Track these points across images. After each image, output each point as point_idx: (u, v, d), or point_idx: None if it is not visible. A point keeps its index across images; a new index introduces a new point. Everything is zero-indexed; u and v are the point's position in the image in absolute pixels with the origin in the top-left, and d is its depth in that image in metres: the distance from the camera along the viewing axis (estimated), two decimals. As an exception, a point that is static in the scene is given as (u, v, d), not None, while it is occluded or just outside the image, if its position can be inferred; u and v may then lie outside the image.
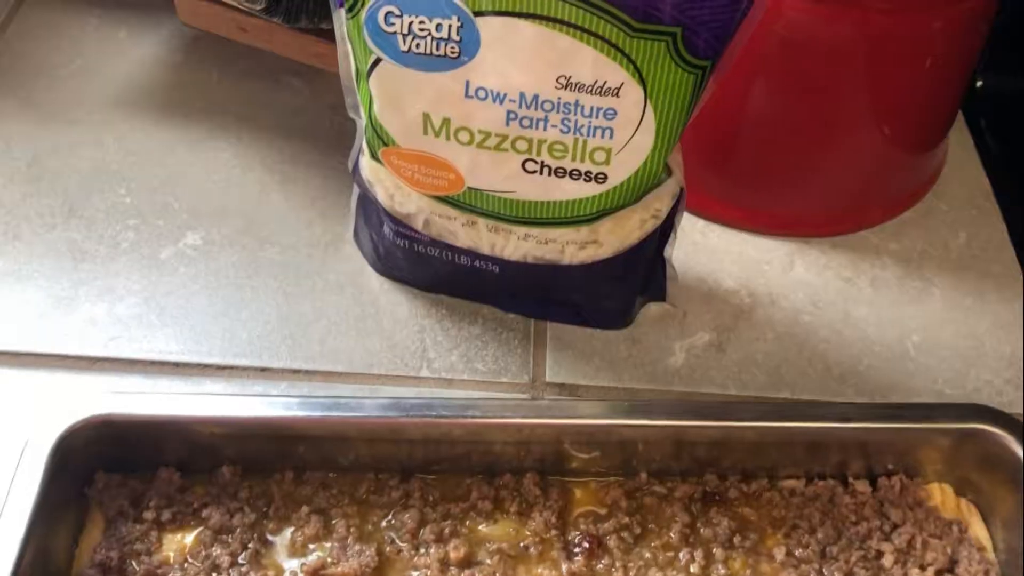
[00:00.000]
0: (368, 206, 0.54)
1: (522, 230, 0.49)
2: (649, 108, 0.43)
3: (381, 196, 0.51)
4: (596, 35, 0.40)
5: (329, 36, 0.59)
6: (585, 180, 0.46)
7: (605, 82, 0.42)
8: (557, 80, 0.42)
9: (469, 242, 0.51)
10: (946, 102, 0.62)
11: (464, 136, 0.45)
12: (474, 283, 0.54)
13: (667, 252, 0.53)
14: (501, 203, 0.47)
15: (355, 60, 0.46)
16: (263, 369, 0.54)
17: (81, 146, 0.65)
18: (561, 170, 0.45)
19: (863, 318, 0.58)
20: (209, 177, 0.64)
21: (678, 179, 0.49)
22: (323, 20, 0.58)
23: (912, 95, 0.59)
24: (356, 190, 0.55)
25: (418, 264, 0.54)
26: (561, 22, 0.40)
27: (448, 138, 0.45)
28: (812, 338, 0.57)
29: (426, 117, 0.45)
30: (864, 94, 0.57)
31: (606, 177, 0.45)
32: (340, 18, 0.45)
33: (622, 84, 0.42)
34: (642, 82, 0.42)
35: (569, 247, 0.49)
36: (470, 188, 0.47)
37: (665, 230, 0.51)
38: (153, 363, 0.54)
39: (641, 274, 0.54)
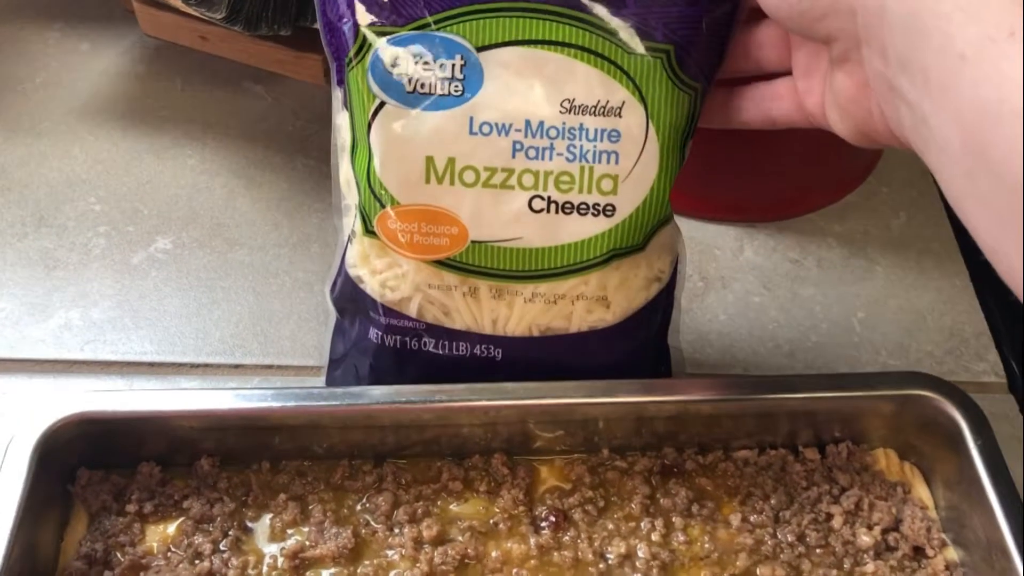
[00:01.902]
0: (350, 324, 0.51)
1: (529, 289, 0.47)
2: (651, 129, 0.44)
3: (371, 287, 0.49)
4: (596, 53, 0.43)
5: (288, 43, 0.61)
6: (593, 214, 0.46)
7: (607, 101, 0.44)
8: (561, 104, 0.44)
9: (469, 320, 0.48)
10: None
11: (469, 176, 0.45)
12: (471, 379, 0.50)
13: (670, 338, 0.52)
14: (506, 256, 0.46)
15: (353, 124, 0.46)
16: (236, 366, 0.56)
17: (49, 157, 0.67)
18: (569, 205, 0.45)
19: (810, 297, 0.61)
20: (176, 183, 0.66)
21: (678, 243, 0.50)
22: (282, 27, 0.60)
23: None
24: (332, 323, 0.52)
25: (410, 366, 0.50)
26: (561, 44, 0.42)
27: (452, 182, 0.45)
28: (762, 317, 0.60)
29: (429, 161, 0.45)
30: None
31: (614, 209, 0.46)
32: (337, 100, 0.46)
33: (623, 103, 0.44)
34: (643, 100, 0.44)
35: (578, 307, 0.48)
36: (473, 242, 0.46)
37: (668, 305, 0.51)
38: (129, 364, 0.56)
39: (646, 355, 0.52)
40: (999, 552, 0.44)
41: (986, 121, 0.31)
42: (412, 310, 0.48)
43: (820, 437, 0.51)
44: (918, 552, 0.48)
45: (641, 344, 0.51)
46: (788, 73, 0.44)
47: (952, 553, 0.47)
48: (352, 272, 0.49)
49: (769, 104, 0.45)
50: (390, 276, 0.48)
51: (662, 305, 0.50)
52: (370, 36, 0.44)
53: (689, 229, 0.64)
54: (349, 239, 0.49)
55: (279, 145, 0.68)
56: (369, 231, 0.47)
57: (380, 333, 0.49)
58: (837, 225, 0.66)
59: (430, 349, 0.49)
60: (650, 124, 0.44)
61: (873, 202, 0.67)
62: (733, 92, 0.46)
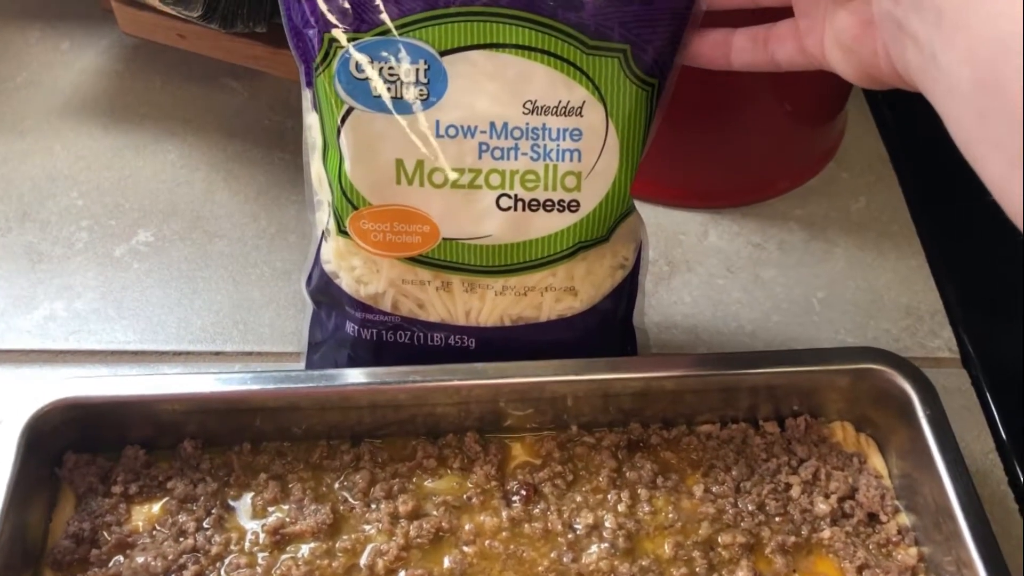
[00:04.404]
0: (327, 317, 0.53)
1: (499, 282, 0.49)
2: (611, 127, 0.46)
3: (346, 282, 0.50)
4: (555, 55, 0.44)
5: (264, 39, 0.63)
6: (559, 210, 0.47)
7: (568, 102, 0.45)
8: (524, 105, 0.45)
9: (443, 312, 0.50)
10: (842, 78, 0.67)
11: (438, 177, 0.46)
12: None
13: (635, 319, 0.55)
14: (477, 252, 0.48)
15: (323, 126, 0.47)
16: (217, 353, 0.58)
17: (32, 154, 0.68)
18: (535, 202, 0.47)
19: (772, 279, 0.63)
20: (157, 178, 0.67)
21: (640, 230, 0.51)
22: (258, 24, 0.61)
23: (809, 73, 0.63)
24: (308, 314, 0.54)
25: (387, 356, 0.52)
26: (522, 47, 0.44)
27: (422, 183, 0.46)
28: (725, 299, 0.62)
29: (399, 163, 0.46)
30: (765, 75, 0.61)
31: (578, 205, 0.47)
32: (307, 100, 0.47)
33: (584, 103, 0.45)
34: (602, 100, 0.45)
35: (547, 297, 0.49)
36: (445, 239, 0.47)
37: (633, 289, 0.53)
38: (113, 353, 0.57)
39: (613, 337, 0.54)
40: (946, 516, 0.46)
41: (1001, 56, 0.30)
42: (386, 304, 0.50)
43: (779, 411, 0.54)
44: (872, 518, 0.50)
45: (608, 327, 0.53)
46: (790, 14, 0.43)
47: (904, 518, 0.50)
48: (327, 268, 0.51)
49: (773, 46, 0.44)
50: (364, 272, 0.50)
51: (627, 290, 0.52)
52: (335, 43, 0.45)
53: (656, 215, 0.67)
54: (323, 236, 0.50)
55: (256, 139, 0.70)
56: (342, 231, 0.48)
57: (356, 327, 0.51)
58: (798, 209, 0.68)
59: (406, 340, 0.51)
60: (610, 122, 0.46)
61: (834, 187, 0.69)
62: (736, 34, 0.46)
